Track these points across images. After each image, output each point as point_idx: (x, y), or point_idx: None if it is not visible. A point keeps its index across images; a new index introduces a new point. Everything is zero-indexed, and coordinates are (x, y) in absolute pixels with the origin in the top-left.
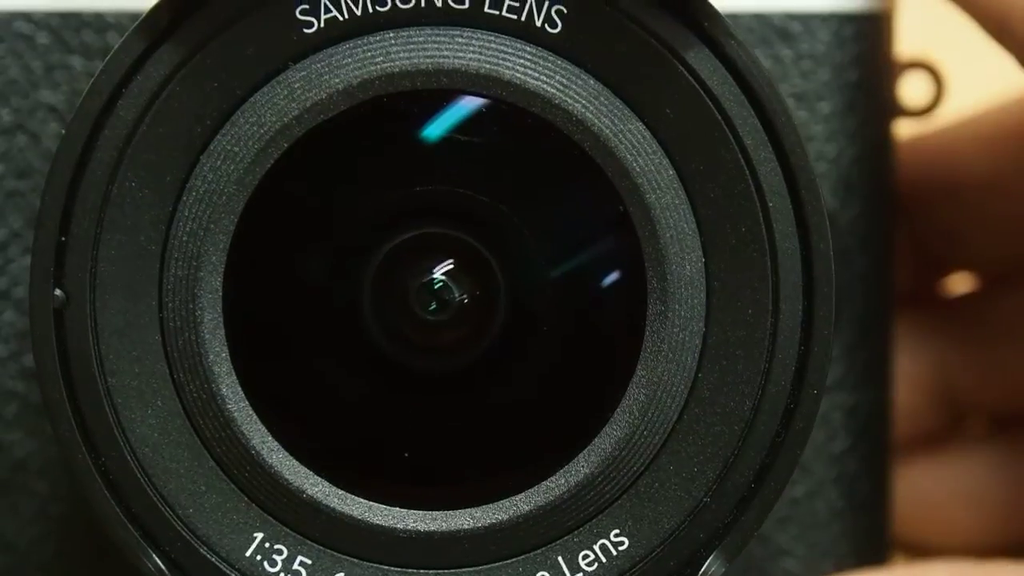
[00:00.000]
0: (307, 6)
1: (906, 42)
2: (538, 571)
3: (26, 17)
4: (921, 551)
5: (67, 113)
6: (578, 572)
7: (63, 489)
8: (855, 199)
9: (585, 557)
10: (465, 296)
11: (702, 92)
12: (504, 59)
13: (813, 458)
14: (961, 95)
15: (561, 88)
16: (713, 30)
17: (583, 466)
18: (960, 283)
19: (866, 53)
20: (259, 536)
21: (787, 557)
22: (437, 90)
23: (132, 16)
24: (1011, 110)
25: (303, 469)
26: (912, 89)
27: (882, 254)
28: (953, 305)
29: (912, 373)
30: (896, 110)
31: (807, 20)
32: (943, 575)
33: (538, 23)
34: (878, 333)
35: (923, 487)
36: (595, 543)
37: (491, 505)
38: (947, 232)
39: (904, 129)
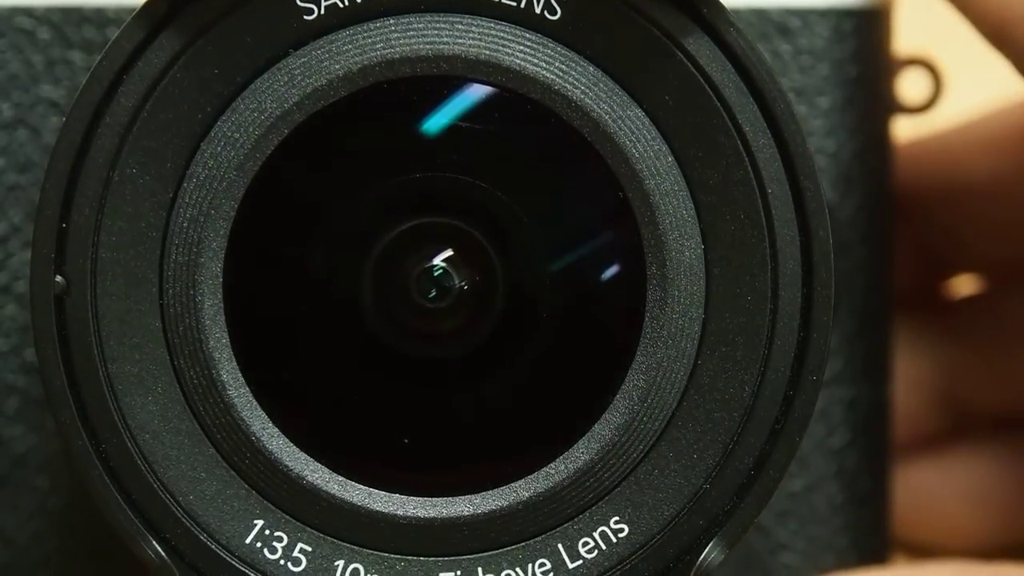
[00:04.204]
0: None
1: (905, 39)
2: (538, 558)
3: (27, 12)
4: (923, 552)
5: (68, 107)
6: (578, 559)
7: (63, 484)
8: (854, 193)
9: (585, 544)
10: (465, 283)
11: (701, 79)
12: (504, 45)
13: (812, 452)
14: (960, 93)
15: (560, 74)
16: (712, 17)
17: (583, 453)
18: (963, 285)
19: (865, 49)
20: (259, 523)
21: (787, 551)
22: (437, 76)
23: (132, 11)
24: (1013, 113)
25: (303, 456)
26: (911, 86)
27: (881, 248)
28: (956, 308)
29: (914, 375)
30: (895, 107)
31: (806, 15)
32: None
33: (537, 10)
34: (877, 327)
35: (925, 488)
36: (595, 530)
37: (491, 492)
38: (949, 235)
39: (903, 126)
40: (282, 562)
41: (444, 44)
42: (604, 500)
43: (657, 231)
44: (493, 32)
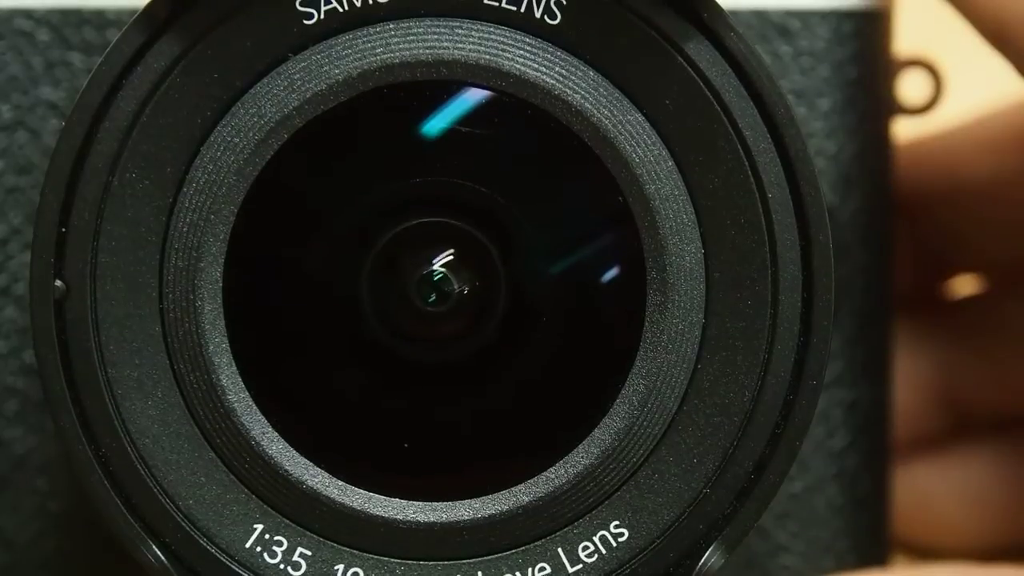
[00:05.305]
0: None
1: (905, 40)
2: (538, 562)
3: (27, 14)
4: (923, 553)
5: (67, 109)
6: (578, 564)
7: (63, 486)
8: (854, 195)
9: (585, 548)
10: (464, 287)
11: (701, 84)
12: (504, 50)
13: (812, 454)
14: (960, 94)
15: (561, 79)
16: (713, 22)
17: (583, 457)
18: (963, 285)
19: (865, 50)
20: (259, 527)
21: (787, 553)
22: (437, 81)
23: (132, 13)
24: (1013, 113)
25: (303, 460)
26: (911, 87)
27: (881, 250)
28: (956, 308)
29: (914, 375)
30: (895, 108)
31: (806, 17)
32: None
33: (537, 14)
34: (878, 329)
35: (925, 489)
36: (595, 534)
37: (491, 496)
38: (950, 235)
39: (903, 127)
40: (282, 566)
41: (444, 49)
42: (604, 504)
43: (657, 235)
44: (493, 36)
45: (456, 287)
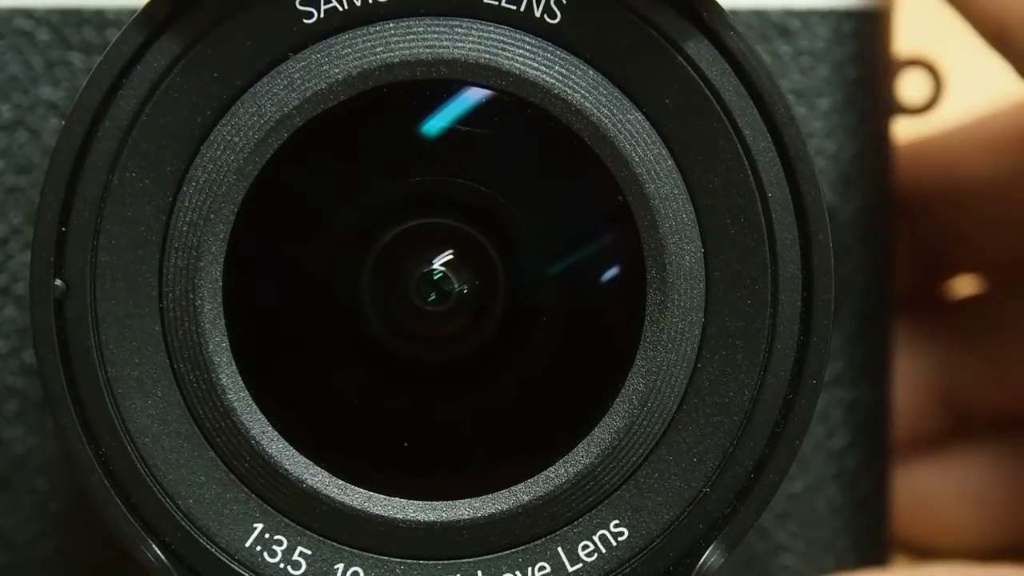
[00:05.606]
0: None
1: (905, 40)
2: (538, 562)
3: (27, 14)
4: (923, 552)
5: (67, 109)
6: (578, 563)
7: (63, 486)
8: (854, 195)
9: (585, 547)
10: (464, 287)
11: (701, 83)
12: (503, 49)
13: (812, 454)
14: (960, 94)
15: (560, 78)
16: (713, 21)
17: (583, 456)
18: (963, 285)
19: (865, 50)
20: (259, 527)
21: (787, 553)
22: (436, 80)
23: (132, 13)
24: (1013, 113)
25: (303, 459)
26: (911, 87)
27: (881, 249)
28: (956, 308)
29: (915, 375)
30: (895, 108)
31: (806, 17)
32: None
33: (537, 13)
34: (878, 328)
35: (925, 489)
36: (595, 533)
37: (491, 495)
38: (950, 235)
39: (903, 127)
40: (282, 566)
41: (444, 48)
42: (604, 503)
43: (657, 235)
44: (493, 36)
45: (456, 286)
